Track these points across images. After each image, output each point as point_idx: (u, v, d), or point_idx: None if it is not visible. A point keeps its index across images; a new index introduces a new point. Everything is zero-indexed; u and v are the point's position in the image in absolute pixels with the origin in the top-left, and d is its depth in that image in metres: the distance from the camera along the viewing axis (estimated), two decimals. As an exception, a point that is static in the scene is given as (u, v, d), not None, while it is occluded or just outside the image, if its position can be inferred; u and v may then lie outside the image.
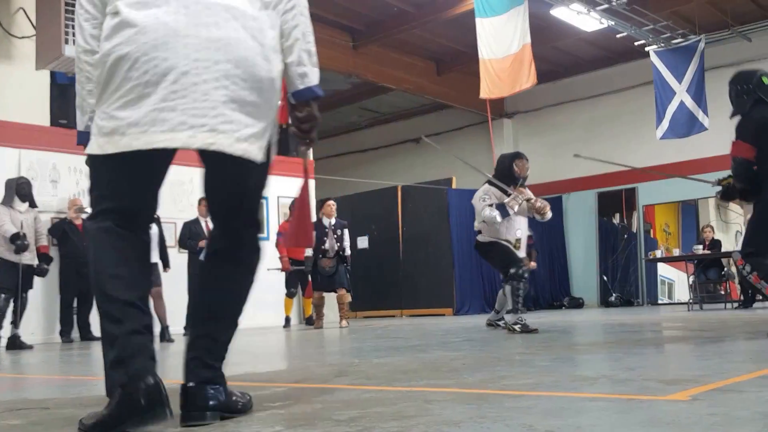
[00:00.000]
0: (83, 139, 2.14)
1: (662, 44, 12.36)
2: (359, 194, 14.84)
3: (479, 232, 6.55)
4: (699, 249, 10.54)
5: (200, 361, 2.09)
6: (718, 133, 12.28)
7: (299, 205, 2.41)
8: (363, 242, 14.26)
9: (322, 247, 9.25)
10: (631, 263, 14.08)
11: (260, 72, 2.03)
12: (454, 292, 12.78)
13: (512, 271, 6.15)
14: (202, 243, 9.19)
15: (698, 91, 11.83)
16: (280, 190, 11.77)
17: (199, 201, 9.54)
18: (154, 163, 2.05)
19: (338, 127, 17.59)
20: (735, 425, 1.63)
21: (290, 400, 2.45)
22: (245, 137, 2.01)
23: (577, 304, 14.22)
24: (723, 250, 10.73)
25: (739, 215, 13.52)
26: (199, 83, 1.94)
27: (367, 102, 16.19)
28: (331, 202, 9.69)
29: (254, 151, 2.04)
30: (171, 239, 10.14)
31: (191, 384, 2.06)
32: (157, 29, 1.94)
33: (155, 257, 8.02)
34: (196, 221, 9.42)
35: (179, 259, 9.74)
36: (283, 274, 10.13)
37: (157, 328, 7.94)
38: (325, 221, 9.44)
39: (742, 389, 2.17)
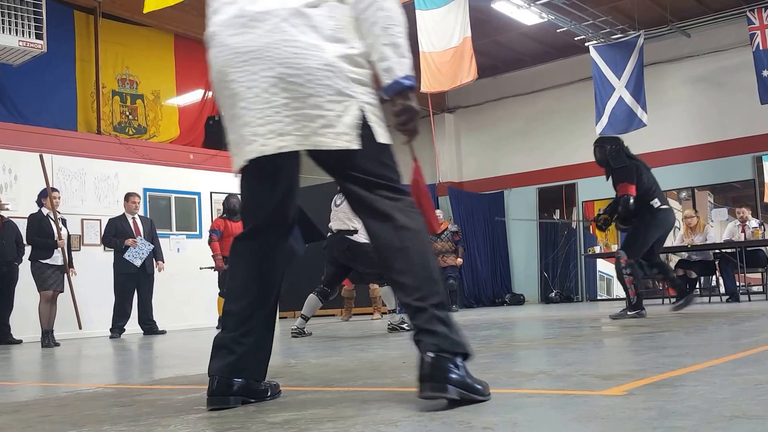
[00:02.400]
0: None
1: (602, 39, 12.67)
2: (299, 189, 14.71)
3: (354, 231, 6.36)
4: (638, 245, 10.82)
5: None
6: (657, 129, 12.69)
7: (417, 196, 2.38)
8: (300, 239, 14.16)
9: None
10: (571, 259, 14.41)
11: (311, 63, 2.08)
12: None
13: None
14: (130, 242, 9.00)
15: (637, 87, 12.17)
16: (213, 186, 11.62)
17: (126, 197, 9.32)
18: (261, 176, 2.28)
19: (274, 120, 17.45)
20: (669, 419, 1.68)
21: (222, 403, 2.43)
22: (314, 131, 2.09)
23: (518, 300, 14.47)
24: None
25: (677, 211, 13.97)
26: (259, 93, 2.11)
27: (304, 94, 16.09)
28: None
29: (327, 141, 2.10)
30: (95, 237, 9.91)
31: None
32: (222, 50, 2.18)
33: (60, 260, 7.87)
34: (122, 218, 9.21)
35: (104, 258, 9.53)
36: (217, 272, 9.99)
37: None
38: None
39: (677, 384, 2.24)
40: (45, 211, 7.97)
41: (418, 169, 2.44)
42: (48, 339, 7.66)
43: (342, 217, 6.48)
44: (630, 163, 6.55)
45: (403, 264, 2.11)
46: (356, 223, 6.39)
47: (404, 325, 6.38)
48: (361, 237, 6.36)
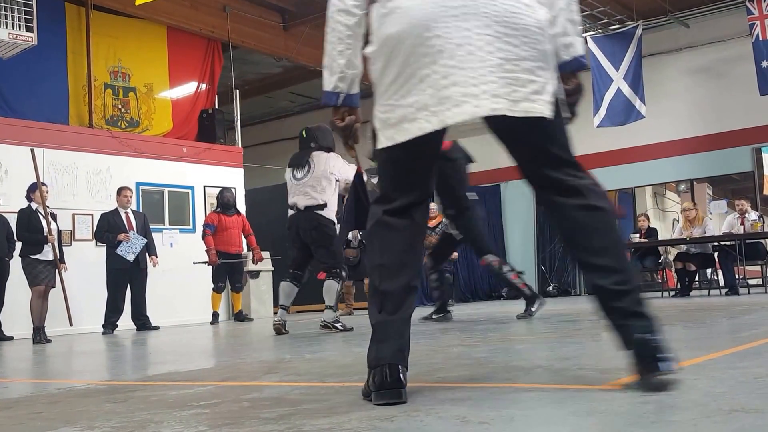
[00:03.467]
0: (330, 99, 2.23)
1: (599, 30, 12.65)
2: (291, 183, 14.71)
3: (321, 206, 6.01)
4: (635, 237, 10.86)
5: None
6: (656, 121, 12.69)
7: None
8: (295, 233, 14.16)
9: (346, 237, 9.81)
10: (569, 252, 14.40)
11: (527, 22, 2.01)
12: (391, 284, 12.84)
13: (341, 269, 6.15)
14: (123, 236, 8.98)
15: (635, 79, 12.16)
16: (207, 180, 11.60)
17: (119, 191, 9.29)
18: (432, 148, 2.16)
19: (268, 113, 17.41)
20: (668, 413, 1.68)
21: (216, 399, 2.42)
22: (525, 96, 2.00)
23: (515, 294, 14.46)
24: (660, 238, 11.08)
25: (675, 203, 14.01)
26: (474, 51, 1.96)
27: (298, 86, 16.06)
28: None
29: (538, 108, 2.01)
30: (87, 232, 9.89)
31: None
32: (423, 6, 2.00)
33: (51, 255, 7.86)
34: (115, 212, 9.18)
35: (96, 253, 9.51)
36: (210, 267, 9.99)
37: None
38: None
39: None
40: (34, 205, 7.94)
41: None
42: (39, 335, 7.65)
43: (309, 191, 6.02)
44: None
45: (600, 244, 2.04)
46: (326, 196, 6.04)
47: (338, 324, 6.03)
48: (330, 213, 6.05)
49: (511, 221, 15.33)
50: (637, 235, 10.94)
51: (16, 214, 8.10)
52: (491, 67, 1.97)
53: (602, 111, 12.31)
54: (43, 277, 7.81)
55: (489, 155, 16.38)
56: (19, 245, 8.05)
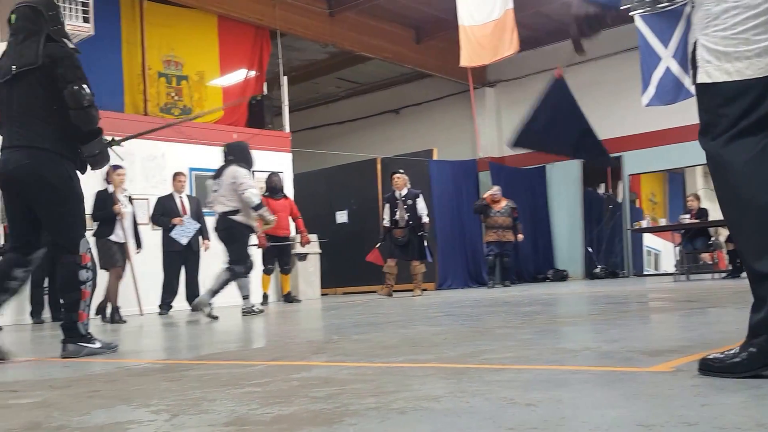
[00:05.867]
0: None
1: (648, 8, 12.32)
2: (337, 167, 14.75)
3: (235, 211, 7.04)
4: (686, 218, 10.62)
5: None
6: (705, 100, 12.35)
7: None
8: (342, 216, 14.21)
9: (394, 218, 10.18)
10: (617, 234, 14.18)
11: None
12: (437, 266, 12.81)
13: (245, 265, 7.18)
14: (177, 220, 9.14)
15: (684, 57, 11.83)
16: (255, 165, 11.67)
17: (174, 176, 9.43)
18: None
19: (315, 98, 17.46)
20: (718, 396, 1.64)
21: (267, 378, 2.45)
22: None
23: (562, 276, 14.31)
24: (711, 219, 10.82)
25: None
26: None
27: (344, 72, 16.07)
28: (398, 175, 10.42)
29: None
30: (143, 216, 10.06)
31: None
32: None
33: (123, 237, 7.98)
34: (170, 197, 9.33)
35: (153, 237, 9.67)
36: (260, 250, 10.09)
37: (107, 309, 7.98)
38: (396, 193, 10.28)
39: (726, 359, 2.17)
40: (111, 188, 8.08)
41: None
42: (114, 315, 7.81)
43: (223, 200, 7.06)
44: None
45: None
46: (235, 202, 7.03)
47: (254, 308, 7.26)
48: (242, 217, 7.04)
49: (558, 203, 15.14)
50: (688, 216, 10.69)
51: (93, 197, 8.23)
52: None
53: (651, 90, 12.01)
54: (118, 258, 7.97)
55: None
56: (94, 227, 8.16)
